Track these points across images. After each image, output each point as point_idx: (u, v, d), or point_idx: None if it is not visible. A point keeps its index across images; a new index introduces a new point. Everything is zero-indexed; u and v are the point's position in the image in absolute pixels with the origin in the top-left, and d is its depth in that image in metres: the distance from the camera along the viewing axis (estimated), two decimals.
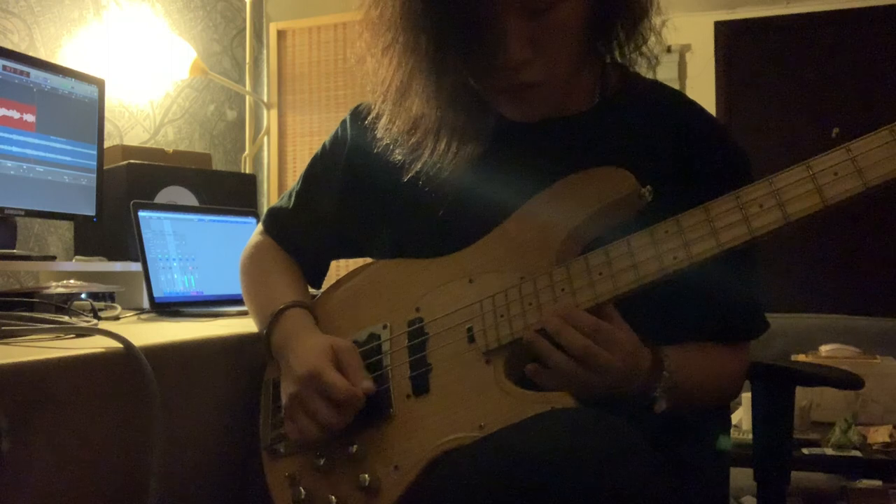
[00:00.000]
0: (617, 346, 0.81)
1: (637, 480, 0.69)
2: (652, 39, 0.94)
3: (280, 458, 0.98)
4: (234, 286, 1.19)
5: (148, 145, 3.06)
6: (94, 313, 1.14)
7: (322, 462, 0.93)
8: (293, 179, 1.23)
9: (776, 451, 1.18)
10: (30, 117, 1.86)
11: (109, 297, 1.62)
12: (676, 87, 2.25)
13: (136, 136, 3.08)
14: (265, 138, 3.66)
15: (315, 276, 1.15)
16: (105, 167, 2.10)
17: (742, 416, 2.16)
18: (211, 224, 1.63)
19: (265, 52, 3.75)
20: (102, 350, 0.87)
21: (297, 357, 0.93)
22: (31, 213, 1.92)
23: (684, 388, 0.88)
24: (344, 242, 1.13)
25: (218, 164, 3.37)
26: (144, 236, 1.47)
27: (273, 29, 3.66)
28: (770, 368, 1.20)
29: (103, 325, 1.04)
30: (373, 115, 1.02)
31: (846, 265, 3.40)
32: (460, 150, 0.95)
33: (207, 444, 1.02)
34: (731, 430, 1.27)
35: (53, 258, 2.23)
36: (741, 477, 1.31)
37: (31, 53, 2.48)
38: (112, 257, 2.08)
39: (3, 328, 0.94)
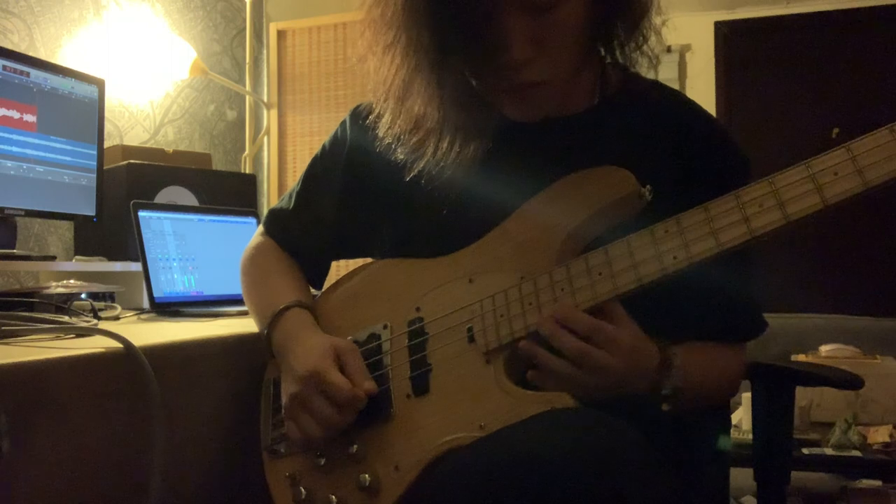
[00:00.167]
0: (616, 346, 0.81)
1: (637, 480, 0.69)
2: (652, 39, 0.93)
3: (280, 457, 0.98)
4: (234, 286, 1.19)
5: (148, 145, 3.06)
6: (94, 313, 1.14)
7: (322, 462, 0.93)
8: (293, 179, 1.23)
9: (776, 450, 1.18)
10: (30, 117, 1.86)
11: (109, 297, 1.63)
12: (676, 87, 2.26)
13: (136, 136, 3.08)
14: (265, 138, 3.66)
15: (316, 276, 1.15)
16: (105, 167, 2.10)
17: (742, 416, 2.16)
18: (211, 224, 1.63)
19: (265, 52, 3.75)
20: (102, 350, 0.87)
21: (299, 357, 0.93)
22: (31, 213, 1.92)
23: (690, 388, 0.88)
24: (344, 243, 1.13)
25: (218, 164, 3.36)
26: (144, 236, 1.47)
27: (273, 29, 3.66)
28: (770, 368, 1.20)
29: (103, 325, 1.04)
30: (374, 114, 1.02)
31: (846, 265, 3.40)
32: (462, 149, 0.95)
33: (207, 444, 1.02)
34: (731, 430, 1.27)
35: (53, 258, 2.23)
36: (741, 477, 1.31)
37: (31, 53, 2.48)
38: (112, 257, 2.08)
39: (3, 328, 0.94)
